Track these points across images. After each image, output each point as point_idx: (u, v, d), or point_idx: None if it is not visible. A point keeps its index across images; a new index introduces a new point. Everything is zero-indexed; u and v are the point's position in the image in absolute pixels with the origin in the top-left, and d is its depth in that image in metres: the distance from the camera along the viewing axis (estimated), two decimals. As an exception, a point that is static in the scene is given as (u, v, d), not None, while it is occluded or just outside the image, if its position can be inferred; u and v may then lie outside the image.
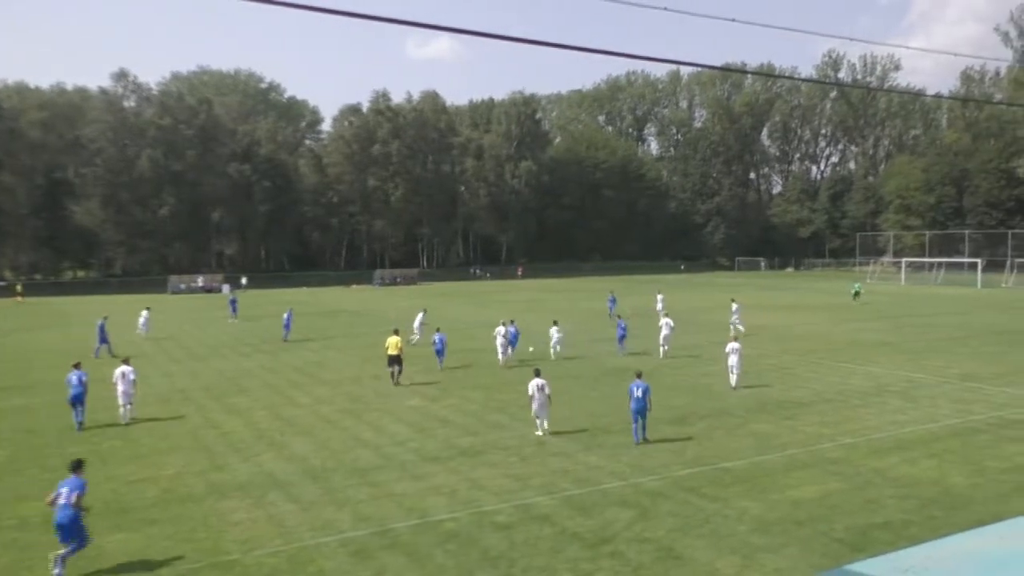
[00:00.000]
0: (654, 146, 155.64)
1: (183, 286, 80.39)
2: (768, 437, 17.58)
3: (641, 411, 17.18)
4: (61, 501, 11.06)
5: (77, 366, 20.00)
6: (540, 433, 17.69)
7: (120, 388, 19.69)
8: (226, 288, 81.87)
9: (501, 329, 28.88)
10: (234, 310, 46.71)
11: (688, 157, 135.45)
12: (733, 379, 22.89)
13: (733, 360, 23.01)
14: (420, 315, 35.52)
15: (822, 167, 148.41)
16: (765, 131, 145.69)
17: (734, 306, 39.73)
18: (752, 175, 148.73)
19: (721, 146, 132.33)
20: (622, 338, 30.98)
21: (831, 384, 23.60)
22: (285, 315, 36.90)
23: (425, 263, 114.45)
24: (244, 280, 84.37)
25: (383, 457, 16.44)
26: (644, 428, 17.23)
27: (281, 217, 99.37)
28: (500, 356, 27.96)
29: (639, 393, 17.27)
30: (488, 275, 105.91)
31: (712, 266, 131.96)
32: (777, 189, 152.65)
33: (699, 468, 15.37)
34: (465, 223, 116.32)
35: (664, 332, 30.41)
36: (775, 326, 40.24)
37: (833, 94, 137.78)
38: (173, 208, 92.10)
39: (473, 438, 17.76)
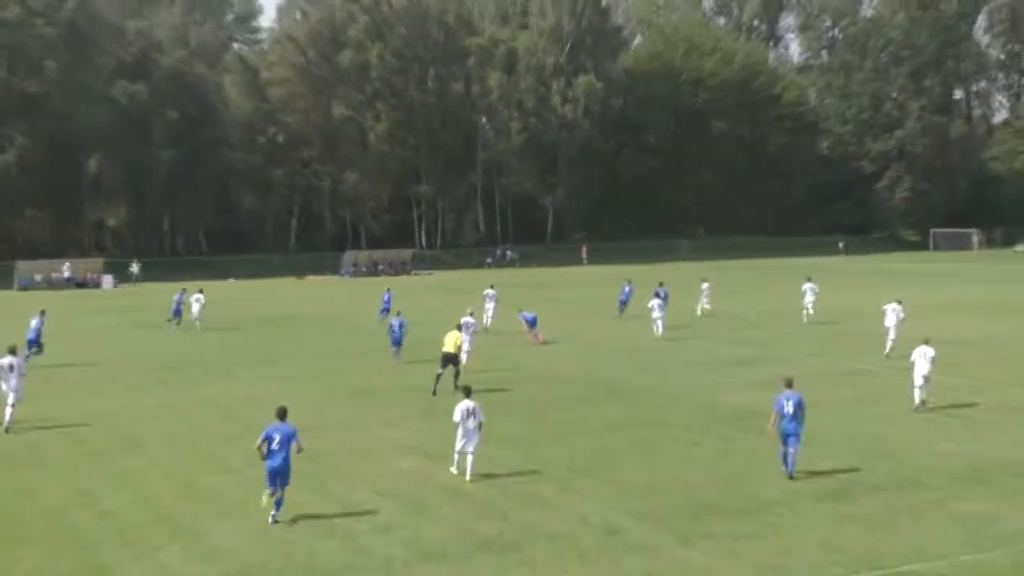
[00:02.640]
0: (794, 49, 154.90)
1: (39, 278, 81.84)
2: (986, 522, 17.41)
3: (794, 433, 19.56)
4: (275, 447, 17.72)
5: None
6: (454, 471, 20.56)
7: (10, 383, 25.77)
8: (108, 281, 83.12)
9: (469, 320, 34.21)
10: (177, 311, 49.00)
11: (851, 67, 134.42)
12: (917, 395, 26.25)
13: (924, 369, 26.01)
14: (491, 293, 46.27)
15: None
16: (981, 21, 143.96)
17: (807, 286, 48.30)
18: (959, 94, 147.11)
19: (907, 48, 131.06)
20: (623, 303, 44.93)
21: (1092, 437, 23.24)
22: (385, 296, 48.45)
23: (423, 241, 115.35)
24: (135, 267, 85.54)
25: (357, 552, 16.53)
26: (794, 459, 19.71)
27: (195, 168, 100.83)
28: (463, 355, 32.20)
29: (790, 408, 19.54)
30: (516, 259, 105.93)
31: (892, 243, 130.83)
32: (1001, 116, 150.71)
33: (872, 573, 15.21)
34: (487, 177, 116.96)
35: (892, 321, 36.32)
36: (994, 340, 39.71)
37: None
38: (24, 153, 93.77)
39: (501, 522, 17.80)
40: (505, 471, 20.90)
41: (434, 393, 29.23)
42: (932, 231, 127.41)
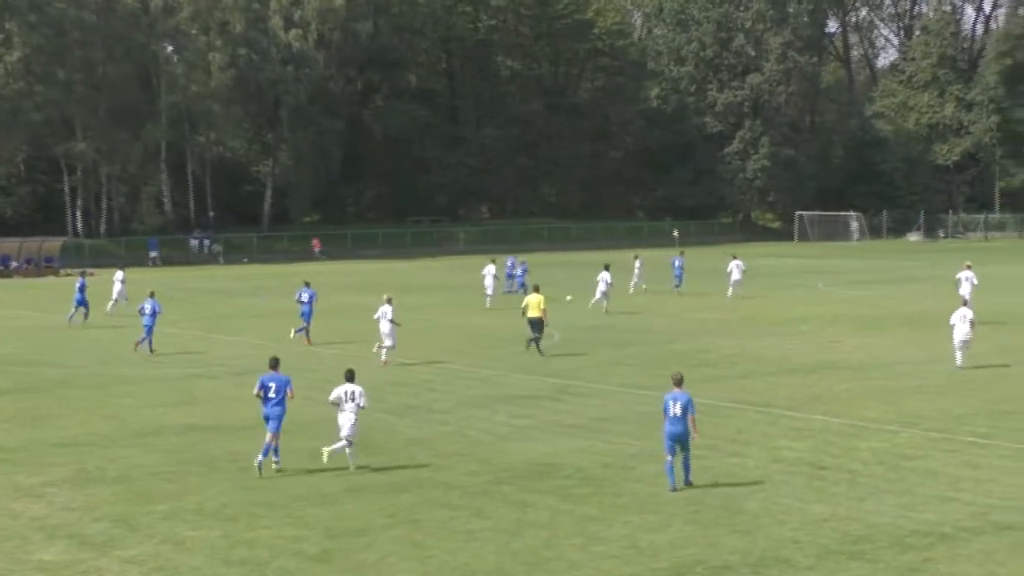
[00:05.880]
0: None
1: None
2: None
3: (680, 438, 23.78)
4: (271, 395, 25.73)
5: None
6: (326, 455, 25.77)
7: None
8: None
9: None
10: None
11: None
12: (959, 357, 39.33)
13: (963, 333, 39.25)
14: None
15: (986, 10, 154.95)
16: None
17: (638, 263, 69.73)
18: (833, 26, 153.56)
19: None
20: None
21: None
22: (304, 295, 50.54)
23: (79, 225, 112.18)
24: None
25: None
26: (687, 465, 24.09)
27: None
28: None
29: (677, 409, 23.70)
30: (220, 252, 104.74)
31: (745, 230, 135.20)
32: (888, 58, 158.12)
33: None
34: (177, 132, 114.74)
35: (967, 290, 51.87)
36: (879, 365, 41.64)
37: None
38: None
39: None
40: (205, 559, 20.52)
41: (529, 346, 43.38)
42: (798, 214, 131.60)
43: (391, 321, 42.27)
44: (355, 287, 75.58)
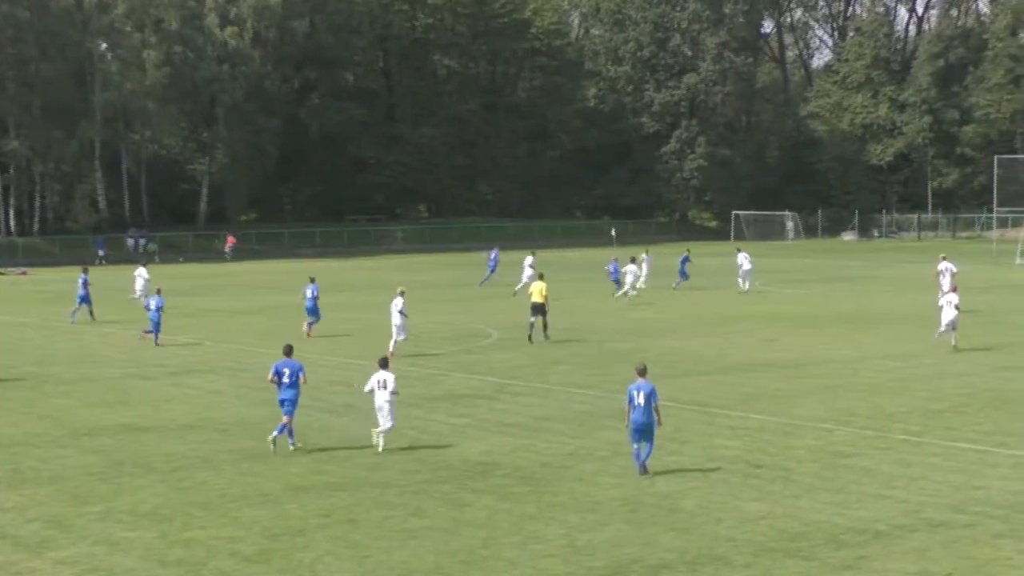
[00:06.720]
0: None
1: None
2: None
3: (644, 427, 24.88)
4: (285, 380, 27.62)
5: None
6: (380, 443, 27.61)
7: None
8: None
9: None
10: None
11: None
12: (952, 338, 43.47)
13: (950, 316, 43.19)
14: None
15: (919, 11, 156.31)
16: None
17: (645, 257, 71.28)
18: (768, 26, 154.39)
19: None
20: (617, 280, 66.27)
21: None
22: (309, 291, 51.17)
23: (12, 224, 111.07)
24: None
25: None
26: (647, 454, 25.09)
27: None
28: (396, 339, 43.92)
29: (640, 400, 24.82)
30: (155, 250, 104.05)
31: (682, 229, 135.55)
32: (822, 59, 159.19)
33: None
34: (111, 130, 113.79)
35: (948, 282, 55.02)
36: (815, 363, 41.83)
37: None
38: None
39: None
40: (140, 560, 20.36)
41: (529, 339, 46.76)
42: (735, 213, 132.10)
43: (400, 312, 43.82)
44: (280, 287, 75.22)
